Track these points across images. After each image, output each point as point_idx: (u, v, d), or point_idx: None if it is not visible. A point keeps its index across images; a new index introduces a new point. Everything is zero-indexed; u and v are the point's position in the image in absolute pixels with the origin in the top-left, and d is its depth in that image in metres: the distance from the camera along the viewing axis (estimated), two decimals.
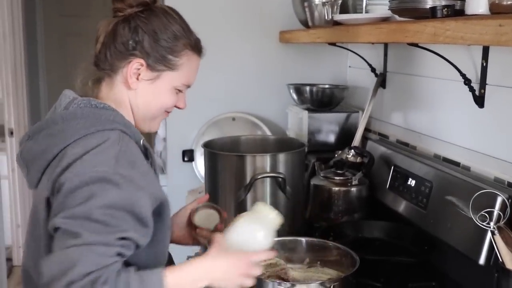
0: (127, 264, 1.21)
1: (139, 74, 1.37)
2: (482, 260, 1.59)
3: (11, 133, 4.45)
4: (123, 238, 1.14)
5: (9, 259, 4.13)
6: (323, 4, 2.37)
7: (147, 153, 1.39)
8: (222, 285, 1.32)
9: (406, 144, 2.34)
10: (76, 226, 1.11)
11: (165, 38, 1.37)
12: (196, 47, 1.44)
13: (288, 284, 1.53)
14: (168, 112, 1.49)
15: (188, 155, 2.82)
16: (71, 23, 4.99)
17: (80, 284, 1.07)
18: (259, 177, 1.98)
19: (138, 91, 1.39)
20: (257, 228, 1.43)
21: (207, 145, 2.15)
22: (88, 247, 1.10)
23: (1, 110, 4.26)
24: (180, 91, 1.45)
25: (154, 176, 1.37)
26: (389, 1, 1.73)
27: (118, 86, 1.39)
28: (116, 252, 1.13)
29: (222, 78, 2.76)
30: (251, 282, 1.35)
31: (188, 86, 1.47)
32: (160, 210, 1.30)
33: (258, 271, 1.36)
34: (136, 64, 1.35)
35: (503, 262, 1.44)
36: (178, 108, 1.48)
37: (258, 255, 1.38)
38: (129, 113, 1.41)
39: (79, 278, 1.07)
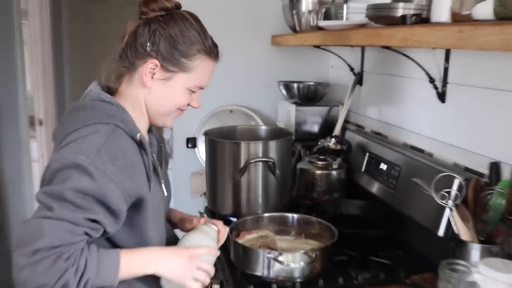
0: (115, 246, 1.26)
1: (154, 74, 1.33)
2: (441, 232, 1.60)
3: (41, 122, 4.43)
4: (91, 220, 1.14)
5: None
6: (309, 12, 2.36)
7: (143, 148, 1.31)
8: (173, 275, 1.29)
9: (379, 134, 2.34)
10: (50, 201, 1.11)
11: (180, 42, 1.31)
12: (211, 52, 1.38)
13: (276, 253, 1.52)
14: (182, 110, 1.43)
15: (192, 142, 2.81)
16: (92, 28, 4.97)
17: (45, 255, 1.07)
18: (253, 161, 1.98)
19: (152, 89, 1.35)
20: (204, 238, 1.44)
21: (208, 134, 2.14)
22: (59, 222, 1.09)
23: (32, 103, 4.24)
24: (193, 91, 1.40)
25: (139, 172, 1.29)
26: (365, 9, 1.72)
27: (135, 83, 1.35)
28: (84, 232, 1.13)
29: (222, 76, 2.74)
30: (202, 276, 1.33)
31: (202, 88, 1.41)
32: (138, 204, 1.27)
33: (206, 265, 1.33)
34: (151, 64, 1.31)
35: (458, 234, 1.46)
36: (192, 107, 1.43)
37: (203, 249, 1.37)
38: (142, 109, 1.38)
39: (45, 249, 1.07)
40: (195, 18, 1.38)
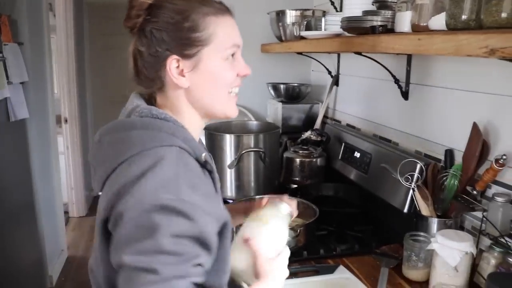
0: None
1: (182, 70, 0.95)
2: (406, 209, 1.60)
3: (66, 120, 4.41)
4: (197, 265, 0.81)
5: (66, 212, 4.11)
6: (293, 24, 2.35)
7: (207, 168, 0.96)
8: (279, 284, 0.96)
9: (353, 127, 2.33)
10: (149, 262, 0.76)
11: (180, 21, 0.93)
12: (218, 10, 0.98)
13: None
14: (236, 86, 1.02)
15: None
16: (109, 40, 4.92)
17: None
18: (245, 151, 1.98)
19: (191, 86, 0.96)
20: (284, 227, 1.03)
21: (208, 128, 2.13)
22: (167, 283, 0.76)
23: (59, 104, 4.22)
24: (232, 56, 0.99)
25: (215, 195, 0.96)
26: (340, 21, 1.70)
27: (172, 93, 0.98)
28: (192, 282, 0.79)
29: None
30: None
31: (237, 46, 1.00)
32: (222, 230, 0.89)
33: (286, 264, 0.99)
34: (172, 63, 0.94)
35: (420, 210, 1.46)
36: (244, 75, 1.02)
37: (285, 254, 0.99)
38: (191, 118, 1.00)
39: None
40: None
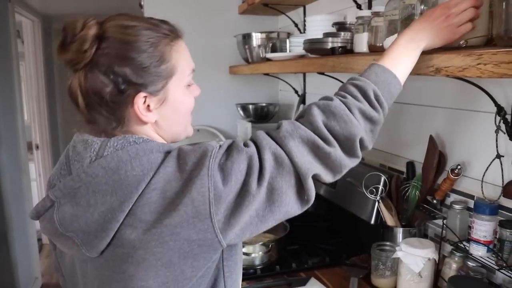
0: None
1: (148, 106, 0.87)
2: (372, 221, 1.62)
3: (37, 147, 4.38)
4: None
5: (39, 239, 4.04)
6: (259, 46, 2.40)
7: None
8: (438, 39, 0.95)
9: None
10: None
11: (145, 54, 0.84)
12: (175, 35, 0.91)
13: None
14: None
15: None
16: None
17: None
18: None
19: (158, 120, 0.90)
20: None
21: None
22: None
23: (29, 131, 4.18)
24: (189, 84, 0.95)
25: None
26: (303, 43, 1.75)
27: (136, 128, 0.90)
28: None
29: None
30: (468, 25, 0.92)
31: (194, 71, 0.95)
32: None
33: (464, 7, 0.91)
34: (139, 101, 0.85)
35: (385, 221, 1.51)
36: (196, 97, 0.97)
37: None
38: (167, 135, 0.95)
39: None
40: (131, 17, 0.88)
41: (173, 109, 0.91)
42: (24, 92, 3.97)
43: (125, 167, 0.80)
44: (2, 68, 2.99)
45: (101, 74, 0.83)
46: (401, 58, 0.96)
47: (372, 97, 0.94)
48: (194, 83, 0.97)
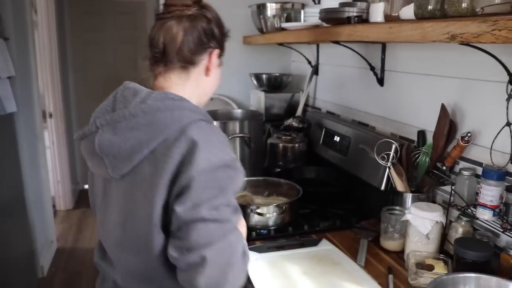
0: None
1: (214, 62, 1.12)
2: (383, 187, 1.68)
3: (50, 115, 4.43)
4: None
5: (53, 206, 4.14)
6: (273, 16, 2.42)
7: None
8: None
9: (333, 113, 2.42)
10: (224, 214, 0.93)
11: (223, 26, 1.14)
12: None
13: (254, 206, 1.60)
14: None
15: None
16: (91, 35, 4.95)
17: (243, 261, 0.97)
18: (231, 137, 2.04)
19: (211, 77, 1.13)
20: None
21: None
22: (235, 230, 0.97)
23: (43, 99, 4.24)
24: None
25: None
26: (319, 13, 1.78)
27: (195, 75, 1.10)
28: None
29: None
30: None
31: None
32: None
33: None
34: (216, 53, 1.11)
35: (395, 187, 1.56)
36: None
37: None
38: (195, 100, 1.09)
39: (239, 261, 0.95)
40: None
41: (218, 75, 1.16)
42: (39, 61, 4.01)
43: (159, 115, 0.97)
44: (18, 36, 3.03)
45: (205, 23, 1.08)
46: None
47: None
48: None
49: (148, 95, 1.01)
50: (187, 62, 1.08)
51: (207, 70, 1.11)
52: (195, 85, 1.11)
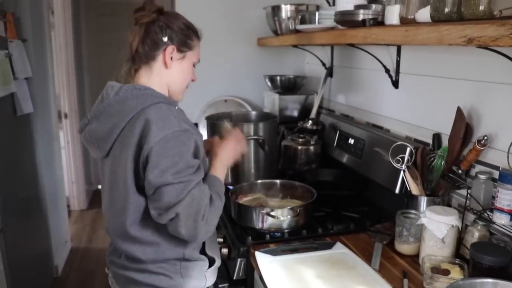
0: None
1: (172, 56, 1.34)
2: (397, 190, 1.68)
3: (66, 116, 4.48)
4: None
5: (67, 206, 4.19)
6: (288, 18, 2.42)
7: None
8: (230, 161, 1.49)
9: (347, 116, 2.41)
10: (186, 175, 1.19)
11: (182, 28, 1.35)
12: (197, 33, 1.42)
13: (269, 209, 1.59)
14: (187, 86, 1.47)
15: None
16: (105, 37, 4.99)
17: (211, 206, 1.24)
18: (246, 139, 2.02)
19: (173, 69, 1.36)
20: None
21: (209, 118, 2.20)
22: (200, 185, 1.23)
23: (58, 99, 4.29)
24: (194, 66, 1.43)
25: None
26: (334, 15, 1.77)
27: (155, 70, 1.35)
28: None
29: (218, 72, 2.81)
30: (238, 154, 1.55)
31: (198, 62, 1.44)
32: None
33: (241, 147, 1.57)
34: (170, 49, 1.33)
35: (410, 190, 1.55)
36: (193, 81, 1.45)
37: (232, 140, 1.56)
38: (165, 91, 1.37)
39: (207, 207, 1.21)
40: (179, 14, 1.42)
41: (183, 70, 1.38)
42: (55, 62, 4.05)
43: (128, 102, 1.26)
44: (36, 38, 3.07)
45: (157, 27, 1.32)
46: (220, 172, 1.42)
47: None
48: (194, 72, 1.44)
49: (120, 88, 1.30)
50: (148, 58, 1.34)
51: (165, 64, 1.34)
52: (159, 77, 1.36)
